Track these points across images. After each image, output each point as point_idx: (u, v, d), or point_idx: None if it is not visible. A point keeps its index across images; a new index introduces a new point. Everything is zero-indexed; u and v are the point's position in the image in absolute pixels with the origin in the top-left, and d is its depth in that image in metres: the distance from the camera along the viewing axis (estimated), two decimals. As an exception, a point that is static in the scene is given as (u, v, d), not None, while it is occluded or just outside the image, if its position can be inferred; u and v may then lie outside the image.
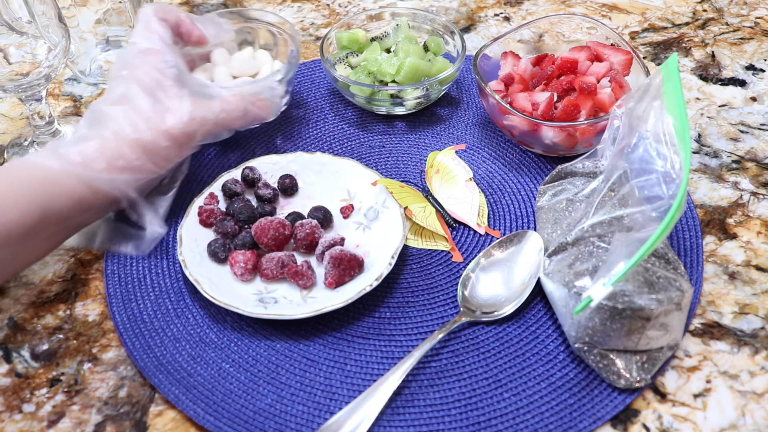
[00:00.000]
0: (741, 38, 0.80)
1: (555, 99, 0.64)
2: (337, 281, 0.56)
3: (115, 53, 0.77)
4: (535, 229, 0.60)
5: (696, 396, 0.51)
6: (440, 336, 0.53)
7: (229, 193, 0.62)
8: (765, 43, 0.80)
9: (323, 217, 0.60)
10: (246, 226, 0.60)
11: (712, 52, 0.79)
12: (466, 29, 0.83)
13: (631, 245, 0.48)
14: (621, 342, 0.49)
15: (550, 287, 0.53)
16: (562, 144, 0.63)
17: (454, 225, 0.62)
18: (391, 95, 0.69)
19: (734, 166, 0.66)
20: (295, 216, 0.61)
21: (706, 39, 0.80)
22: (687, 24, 0.83)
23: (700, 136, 0.69)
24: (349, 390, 0.51)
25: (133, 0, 0.71)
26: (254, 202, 0.63)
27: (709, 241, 0.60)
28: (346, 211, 0.62)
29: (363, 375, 0.52)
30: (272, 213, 0.62)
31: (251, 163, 0.64)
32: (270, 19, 0.71)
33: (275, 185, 0.64)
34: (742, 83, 0.75)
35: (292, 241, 0.59)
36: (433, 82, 0.68)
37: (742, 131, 0.70)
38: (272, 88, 0.63)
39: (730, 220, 0.62)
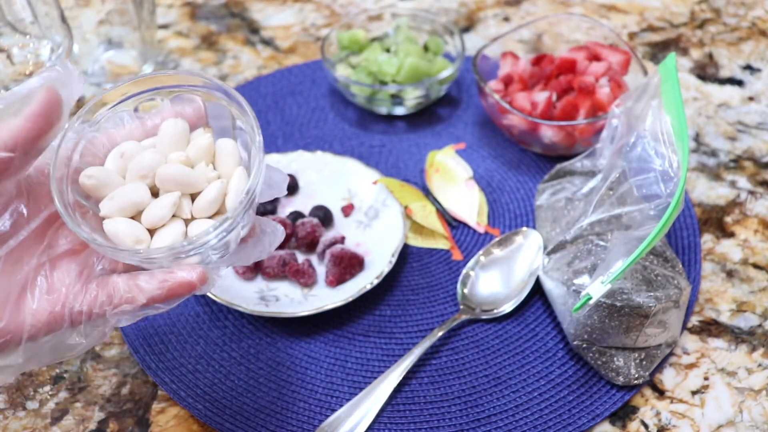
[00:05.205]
0: (738, 38, 0.81)
1: (554, 98, 0.64)
2: (337, 279, 0.56)
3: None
4: (534, 228, 0.61)
5: (694, 393, 0.51)
6: (440, 334, 0.53)
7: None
8: (762, 43, 0.80)
9: (324, 216, 0.61)
10: (247, 225, 0.60)
11: (710, 51, 0.79)
12: (466, 29, 0.83)
13: (629, 243, 0.48)
14: (619, 339, 0.50)
15: (549, 285, 0.54)
16: (561, 143, 0.64)
17: (453, 223, 0.63)
18: (392, 95, 0.69)
19: (732, 164, 0.67)
20: (296, 215, 0.61)
21: (703, 39, 0.81)
22: (685, 24, 0.83)
23: (698, 135, 0.70)
24: (350, 387, 0.52)
25: (136, 1, 0.72)
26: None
27: (707, 239, 0.61)
28: (347, 210, 0.62)
29: (363, 372, 0.53)
30: (273, 212, 0.62)
31: (252, 162, 0.64)
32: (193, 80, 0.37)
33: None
34: (739, 83, 0.75)
35: (293, 239, 0.60)
36: (433, 82, 0.68)
37: (739, 130, 0.70)
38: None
39: (728, 219, 0.62)
